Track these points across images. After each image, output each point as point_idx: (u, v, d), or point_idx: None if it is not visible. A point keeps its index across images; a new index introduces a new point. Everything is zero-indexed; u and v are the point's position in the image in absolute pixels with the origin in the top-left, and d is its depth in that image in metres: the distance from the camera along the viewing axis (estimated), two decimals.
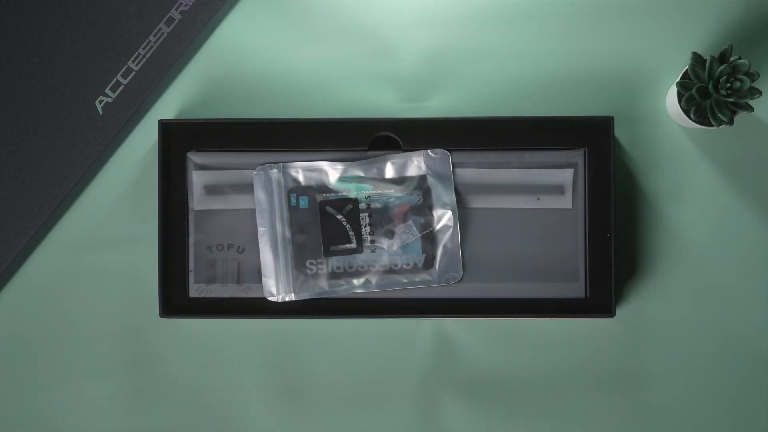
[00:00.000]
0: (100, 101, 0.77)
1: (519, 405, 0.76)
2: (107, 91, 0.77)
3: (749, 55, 0.75)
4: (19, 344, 0.77)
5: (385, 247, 0.72)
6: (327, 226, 0.72)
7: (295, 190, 0.72)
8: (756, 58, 0.75)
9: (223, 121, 0.75)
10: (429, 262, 0.73)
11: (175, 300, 0.75)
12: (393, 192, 0.72)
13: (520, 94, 0.76)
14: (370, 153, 0.74)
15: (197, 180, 0.75)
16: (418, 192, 0.72)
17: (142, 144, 0.78)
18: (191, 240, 0.75)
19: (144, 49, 0.77)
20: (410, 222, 0.71)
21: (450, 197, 0.72)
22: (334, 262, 0.73)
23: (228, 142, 0.75)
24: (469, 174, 0.74)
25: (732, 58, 0.71)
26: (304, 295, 0.72)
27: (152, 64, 0.77)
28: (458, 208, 0.73)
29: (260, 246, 0.73)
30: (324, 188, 0.73)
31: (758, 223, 0.76)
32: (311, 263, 0.72)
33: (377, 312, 0.74)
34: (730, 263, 0.76)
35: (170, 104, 0.78)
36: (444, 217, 0.72)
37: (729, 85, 0.70)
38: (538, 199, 0.74)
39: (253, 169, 0.74)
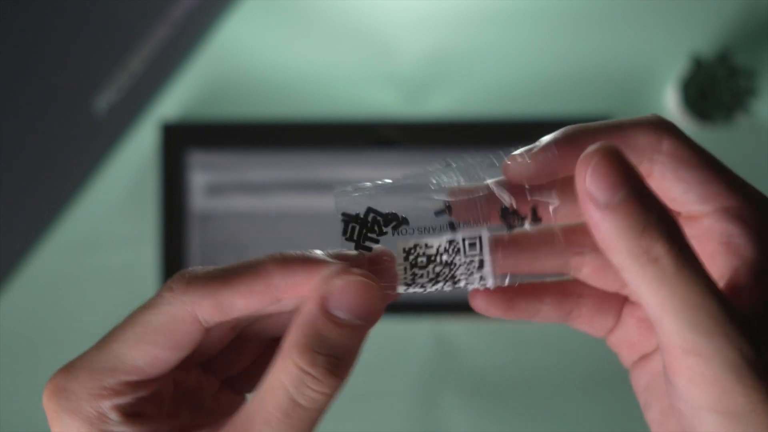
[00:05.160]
0: (102, 101, 0.77)
1: (519, 405, 0.76)
2: (108, 91, 0.77)
3: (749, 55, 0.75)
4: (20, 344, 0.77)
5: None
6: None
7: None
8: (756, 58, 0.75)
9: (223, 121, 0.75)
10: None
11: None
12: None
13: (519, 94, 0.77)
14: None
15: (197, 180, 0.75)
16: None
17: (142, 144, 0.78)
18: (191, 240, 0.75)
19: (145, 48, 0.77)
20: None
21: None
22: None
23: (228, 142, 0.75)
24: None
25: (731, 59, 0.71)
26: None
27: (152, 64, 0.77)
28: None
29: None
30: None
31: None
32: None
33: None
34: None
35: (170, 104, 0.78)
36: None
37: (728, 85, 0.70)
38: None
39: (254, 169, 0.74)
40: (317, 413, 0.24)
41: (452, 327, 0.77)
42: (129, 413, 0.25)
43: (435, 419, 0.76)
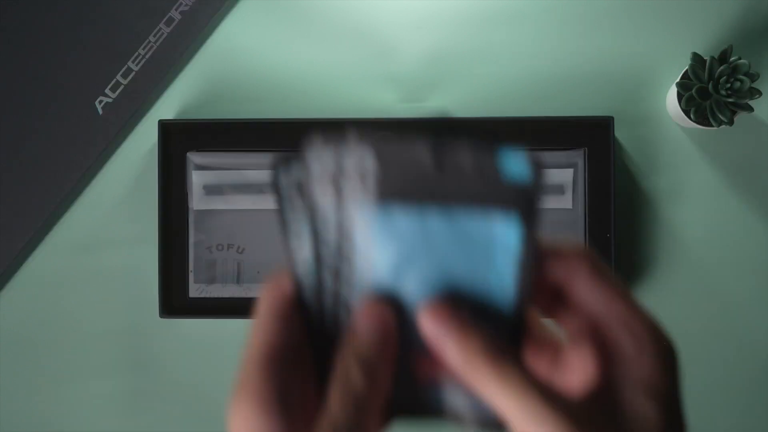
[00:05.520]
0: (100, 101, 0.77)
1: None
2: (107, 91, 0.77)
3: (749, 55, 0.75)
4: (19, 344, 0.77)
5: None
6: None
7: None
8: (756, 58, 0.75)
9: (223, 121, 0.75)
10: None
11: (175, 300, 0.75)
12: None
13: (520, 94, 0.76)
14: None
15: (197, 180, 0.75)
16: None
17: (142, 144, 0.78)
18: (191, 240, 0.75)
19: (144, 49, 0.77)
20: None
21: None
22: None
23: (228, 142, 0.75)
24: None
25: (732, 59, 0.71)
26: None
27: (152, 64, 0.77)
28: None
29: None
30: None
31: (758, 223, 0.76)
32: None
33: None
34: (730, 263, 0.76)
35: (170, 104, 0.78)
36: None
37: (729, 85, 0.70)
38: None
39: (253, 169, 0.74)
40: (363, 401, 0.29)
41: None
42: None
43: None
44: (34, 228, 0.77)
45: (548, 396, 0.27)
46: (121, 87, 0.77)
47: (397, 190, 0.29)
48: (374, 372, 0.29)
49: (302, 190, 0.30)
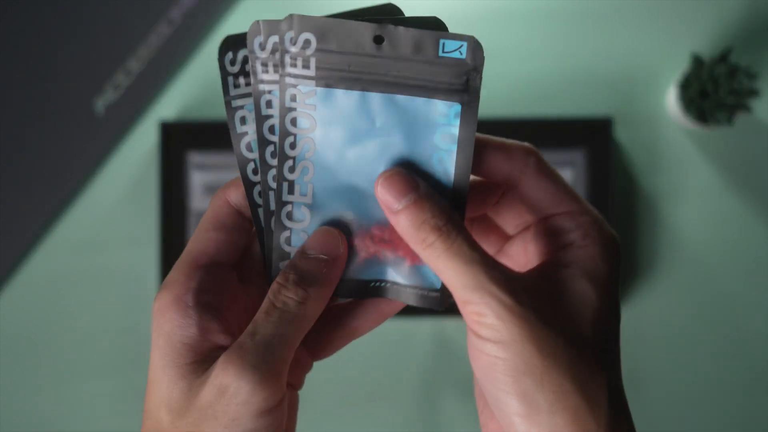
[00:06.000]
0: (101, 101, 0.77)
1: None
2: (108, 91, 0.77)
3: (749, 55, 0.75)
4: (19, 344, 0.77)
5: None
6: None
7: None
8: (756, 58, 0.75)
9: (223, 121, 0.75)
10: None
11: None
12: None
13: (520, 94, 0.77)
14: None
15: (197, 180, 0.75)
16: None
17: (142, 144, 0.78)
18: None
19: (144, 49, 0.77)
20: None
21: None
22: None
23: (228, 142, 0.75)
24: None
25: (731, 59, 0.71)
26: None
27: (152, 64, 0.77)
28: None
29: None
30: None
31: (758, 223, 0.76)
32: None
33: None
34: (730, 263, 0.76)
35: (170, 104, 0.78)
36: None
37: (728, 85, 0.70)
38: None
39: None
40: (290, 315, 0.30)
41: (453, 326, 0.77)
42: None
43: (435, 419, 0.76)
44: (34, 228, 0.77)
45: (491, 266, 0.29)
46: (121, 87, 0.77)
47: (338, 70, 0.30)
48: (316, 296, 0.30)
49: (247, 73, 0.31)
